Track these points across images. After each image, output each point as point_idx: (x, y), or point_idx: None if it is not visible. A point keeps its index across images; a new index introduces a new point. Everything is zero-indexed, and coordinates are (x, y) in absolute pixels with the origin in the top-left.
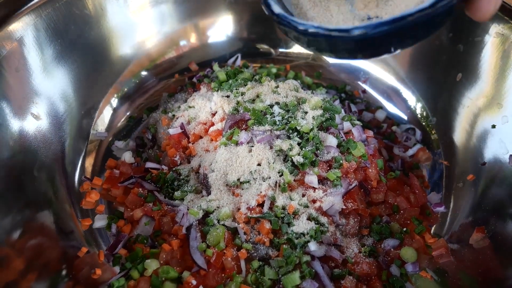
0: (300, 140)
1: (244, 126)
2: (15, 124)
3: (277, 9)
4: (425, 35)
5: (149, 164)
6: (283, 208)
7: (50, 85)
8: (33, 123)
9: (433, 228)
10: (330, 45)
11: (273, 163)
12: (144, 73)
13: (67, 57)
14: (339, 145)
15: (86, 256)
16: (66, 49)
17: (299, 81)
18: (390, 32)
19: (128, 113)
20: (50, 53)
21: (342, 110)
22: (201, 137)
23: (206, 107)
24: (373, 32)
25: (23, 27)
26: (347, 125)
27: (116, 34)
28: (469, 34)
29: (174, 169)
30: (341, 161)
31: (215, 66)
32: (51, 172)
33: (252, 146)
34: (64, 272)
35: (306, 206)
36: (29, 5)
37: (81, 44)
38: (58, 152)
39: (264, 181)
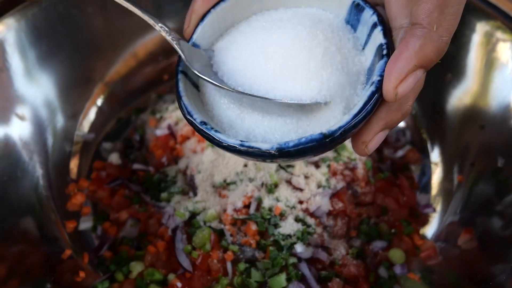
0: None
1: None
2: None
3: (197, 115)
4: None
5: (136, 166)
6: (270, 209)
7: (35, 86)
8: (17, 125)
9: (421, 230)
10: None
11: (260, 163)
12: (131, 74)
13: (53, 58)
14: None
15: (70, 261)
16: (53, 50)
17: None
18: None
19: (116, 115)
20: (37, 53)
21: None
22: (188, 138)
23: None
24: (289, 149)
25: (8, 27)
26: None
27: (103, 35)
28: (459, 34)
29: (161, 170)
30: (328, 162)
31: None
32: (35, 175)
33: None
34: (47, 278)
35: (293, 207)
36: None
37: (69, 45)
38: (43, 154)
39: (250, 182)
